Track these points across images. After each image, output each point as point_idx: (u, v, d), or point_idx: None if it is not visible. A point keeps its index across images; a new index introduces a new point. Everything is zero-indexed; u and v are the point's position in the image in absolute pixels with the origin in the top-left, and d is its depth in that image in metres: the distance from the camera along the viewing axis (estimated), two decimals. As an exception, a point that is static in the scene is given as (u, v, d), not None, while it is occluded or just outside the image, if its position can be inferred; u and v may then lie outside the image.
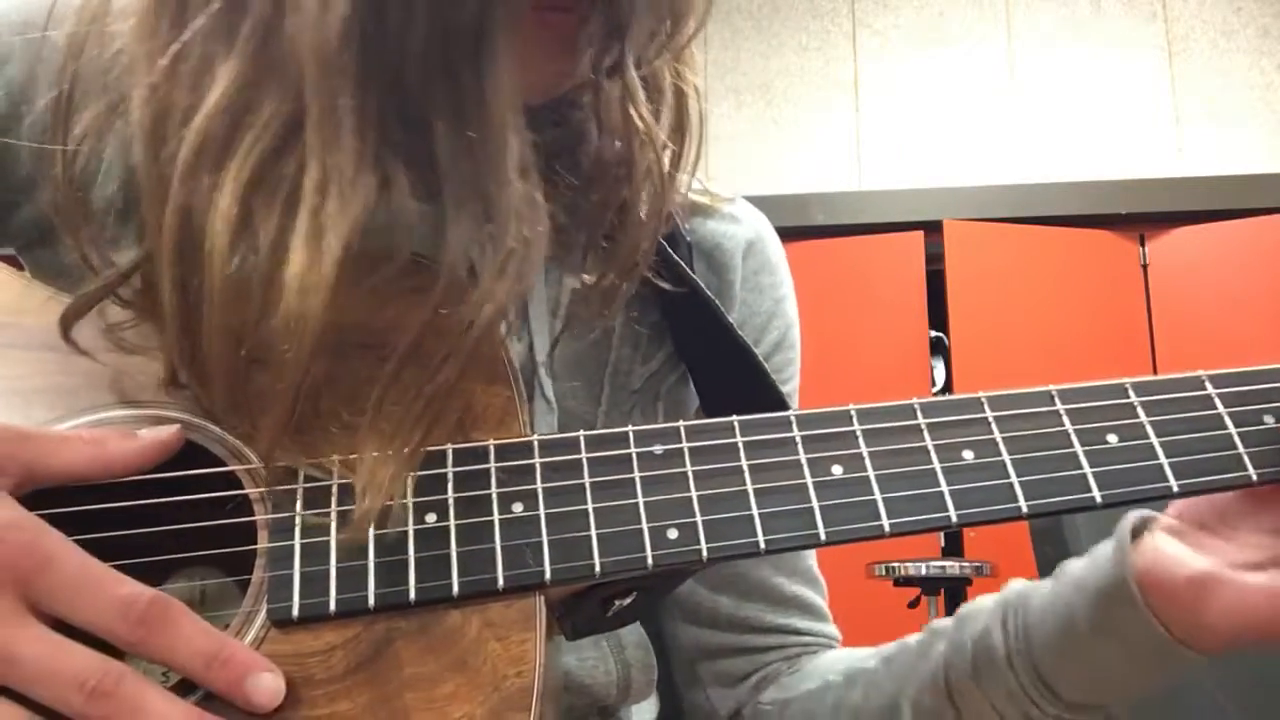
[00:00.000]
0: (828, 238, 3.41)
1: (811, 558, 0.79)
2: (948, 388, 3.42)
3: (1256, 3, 3.63)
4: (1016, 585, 0.62)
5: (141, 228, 0.56)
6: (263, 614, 0.48)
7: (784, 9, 3.75)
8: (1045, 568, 1.42)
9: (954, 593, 3.18)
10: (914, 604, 2.90)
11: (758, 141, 3.65)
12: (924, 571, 2.72)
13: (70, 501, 0.48)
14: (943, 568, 2.71)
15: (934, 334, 3.48)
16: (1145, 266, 3.51)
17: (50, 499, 0.47)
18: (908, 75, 3.69)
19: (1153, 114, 3.58)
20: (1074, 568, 0.58)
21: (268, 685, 0.45)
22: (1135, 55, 3.63)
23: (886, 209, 3.55)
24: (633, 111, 0.60)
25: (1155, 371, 3.37)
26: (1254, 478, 0.52)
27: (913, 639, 0.68)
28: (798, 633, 0.77)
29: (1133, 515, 0.55)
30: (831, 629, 0.79)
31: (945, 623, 0.66)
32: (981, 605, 0.63)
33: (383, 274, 0.51)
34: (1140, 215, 3.50)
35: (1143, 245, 3.52)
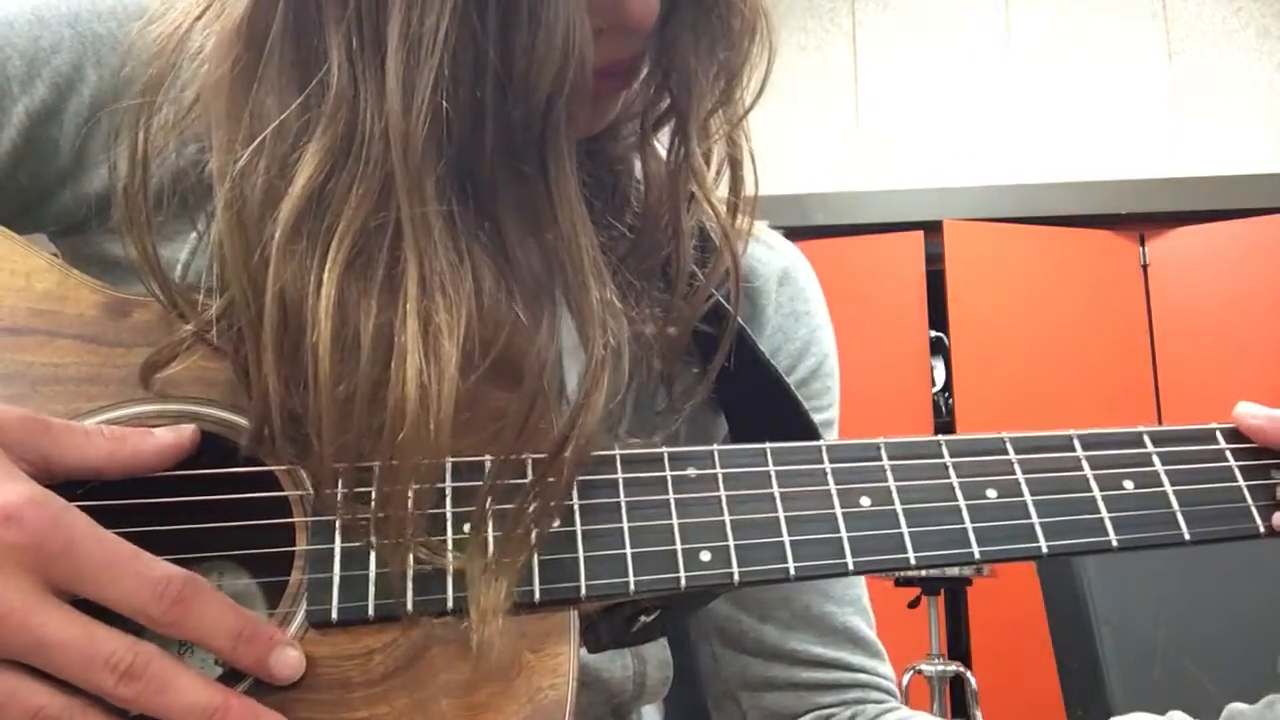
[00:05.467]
0: (828, 238, 3.40)
1: (860, 585, 0.77)
2: (947, 387, 3.42)
3: (1256, 3, 3.63)
4: None
5: (192, 220, 0.57)
6: (301, 615, 0.48)
7: (784, 8, 3.75)
8: (1045, 571, 1.42)
9: (954, 593, 3.18)
10: (914, 604, 2.90)
11: (757, 141, 3.64)
12: (924, 572, 2.73)
13: (101, 496, 0.48)
14: (943, 568, 2.71)
15: (934, 334, 3.48)
16: (1145, 266, 3.51)
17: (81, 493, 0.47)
18: (907, 75, 3.69)
19: (1153, 114, 3.58)
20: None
21: (291, 659, 0.46)
22: (1135, 55, 3.63)
23: (886, 209, 3.55)
24: (684, 177, 0.60)
25: (1155, 371, 3.38)
26: (1261, 530, 0.55)
27: None
28: (850, 669, 0.75)
29: None
30: (886, 668, 0.77)
31: None
32: None
33: (475, 379, 0.51)
34: (1140, 215, 3.50)
35: (1143, 245, 3.53)
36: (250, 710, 0.44)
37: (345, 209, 0.49)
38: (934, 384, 3.45)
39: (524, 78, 0.48)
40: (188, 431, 0.51)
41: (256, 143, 0.50)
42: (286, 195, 0.49)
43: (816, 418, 0.67)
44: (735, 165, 0.62)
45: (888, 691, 0.76)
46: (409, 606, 0.48)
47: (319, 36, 0.50)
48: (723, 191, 0.64)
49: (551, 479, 0.49)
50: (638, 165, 0.65)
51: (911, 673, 2.79)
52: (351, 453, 0.49)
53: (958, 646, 3.23)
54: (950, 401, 3.40)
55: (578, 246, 0.51)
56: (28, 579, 0.42)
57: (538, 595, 0.49)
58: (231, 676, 0.47)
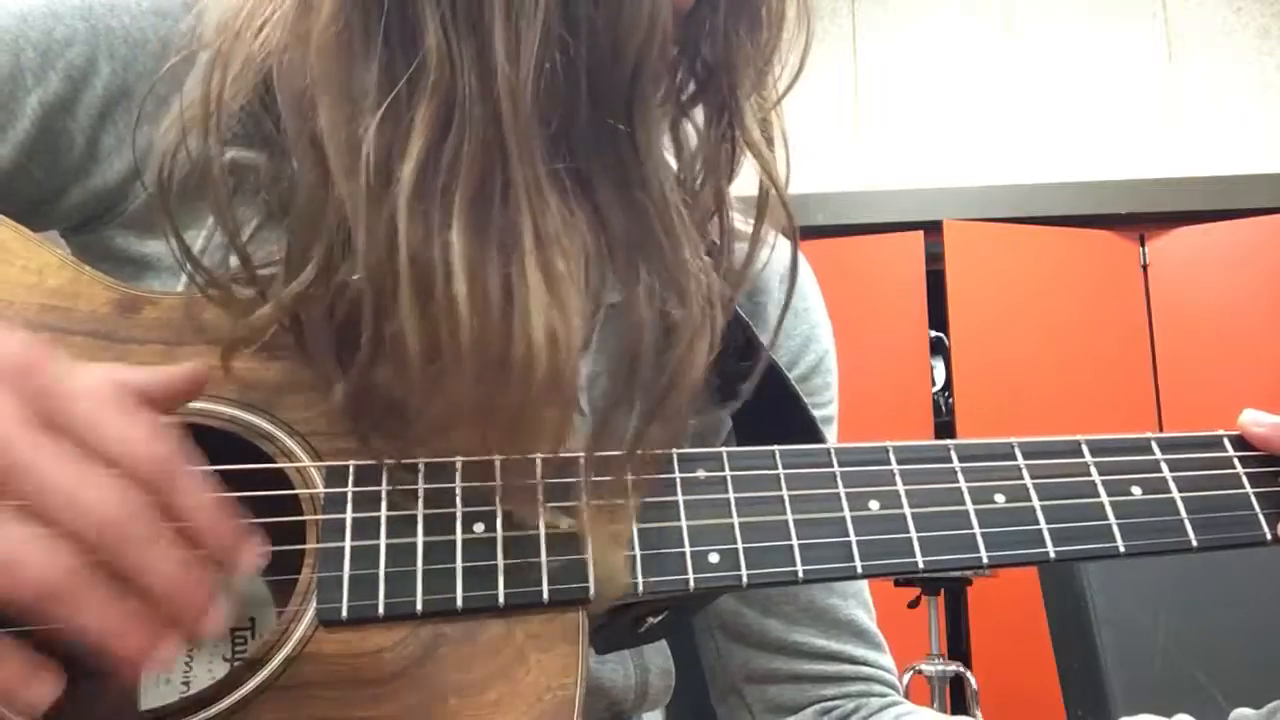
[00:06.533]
0: (828, 238, 3.41)
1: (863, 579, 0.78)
2: (948, 387, 3.42)
3: (1256, 3, 3.64)
4: None
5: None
6: (310, 613, 0.48)
7: (784, 9, 3.75)
8: (1045, 571, 1.43)
9: (954, 593, 3.18)
10: (914, 604, 2.90)
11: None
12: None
13: None
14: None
15: (934, 334, 3.48)
16: (1145, 266, 3.51)
17: None
18: (908, 75, 3.70)
19: (1153, 114, 3.58)
20: None
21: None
22: (1135, 55, 3.63)
23: (886, 209, 3.55)
24: (728, 155, 0.61)
25: (1155, 371, 3.38)
26: (1268, 537, 0.55)
27: None
28: (853, 661, 0.75)
29: None
30: (888, 660, 0.78)
31: None
32: None
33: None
34: (1140, 215, 3.50)
35: (1143, 245, 3.53)
36: (203, 592, 0.39)
37: (458, 169, 0.49)
38: (934, 384, 3.45)
39: (612, 46, 0.50)
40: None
41: (382, 110, 0.50)
42: (405, 159, 0.49)
43: (816, 414, 0.68)
44: (769, 145, 0.63)
45: (890, 685, 0.77)
46: (418, 606, 0.48)
47: (412, 5, 0.51)
48: (739, 181, 0.65)
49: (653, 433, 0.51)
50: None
51: (911, 673, 2.80)
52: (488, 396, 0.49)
53: (958, 646, 3.23)
54: (950, 401, 3.40)
55: (667, 204, 0.52)
56: (15, 403, 0.37)
57: (546, 595, 0.49)
58: (247, 668, 0.47)
